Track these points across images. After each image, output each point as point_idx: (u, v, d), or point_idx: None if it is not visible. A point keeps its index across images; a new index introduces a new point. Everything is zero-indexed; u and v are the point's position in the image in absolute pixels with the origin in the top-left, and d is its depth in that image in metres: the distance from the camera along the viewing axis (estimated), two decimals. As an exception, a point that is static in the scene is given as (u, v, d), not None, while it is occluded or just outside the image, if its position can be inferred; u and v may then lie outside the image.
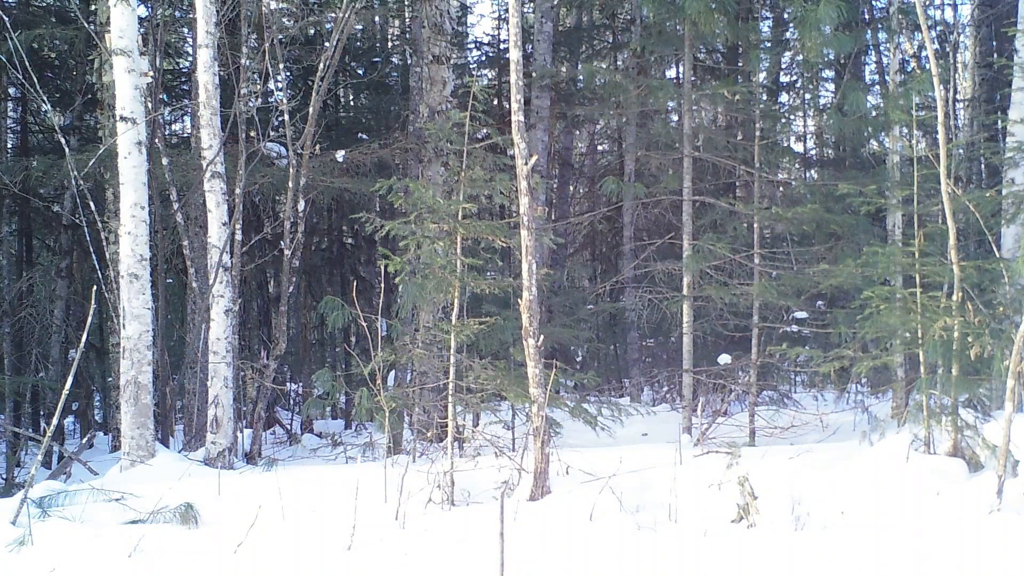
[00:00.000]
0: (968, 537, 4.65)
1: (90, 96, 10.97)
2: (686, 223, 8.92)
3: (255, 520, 5.44)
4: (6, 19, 8.52)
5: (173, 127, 14.82)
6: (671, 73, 14.54)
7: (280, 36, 9.22)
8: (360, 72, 14.19)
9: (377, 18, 15.05)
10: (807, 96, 13.48)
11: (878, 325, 6.26)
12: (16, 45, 8.22)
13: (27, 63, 8.18)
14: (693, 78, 9.55)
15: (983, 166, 13.23)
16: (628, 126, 12.69)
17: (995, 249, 7.20)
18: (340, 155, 9.90)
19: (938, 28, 14.67)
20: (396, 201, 6.75)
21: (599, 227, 14.49)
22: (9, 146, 13.71)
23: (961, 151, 11.98)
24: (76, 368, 6.34)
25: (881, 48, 13.33)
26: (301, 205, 9.04)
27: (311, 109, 8.84)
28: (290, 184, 8.91)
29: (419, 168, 9.59)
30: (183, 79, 12.80)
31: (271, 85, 10.83)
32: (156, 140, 9.12)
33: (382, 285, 7.91)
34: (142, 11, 10.57)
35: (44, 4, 13.09)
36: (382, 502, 5.92)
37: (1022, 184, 8.34)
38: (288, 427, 11.85)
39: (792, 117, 13.23)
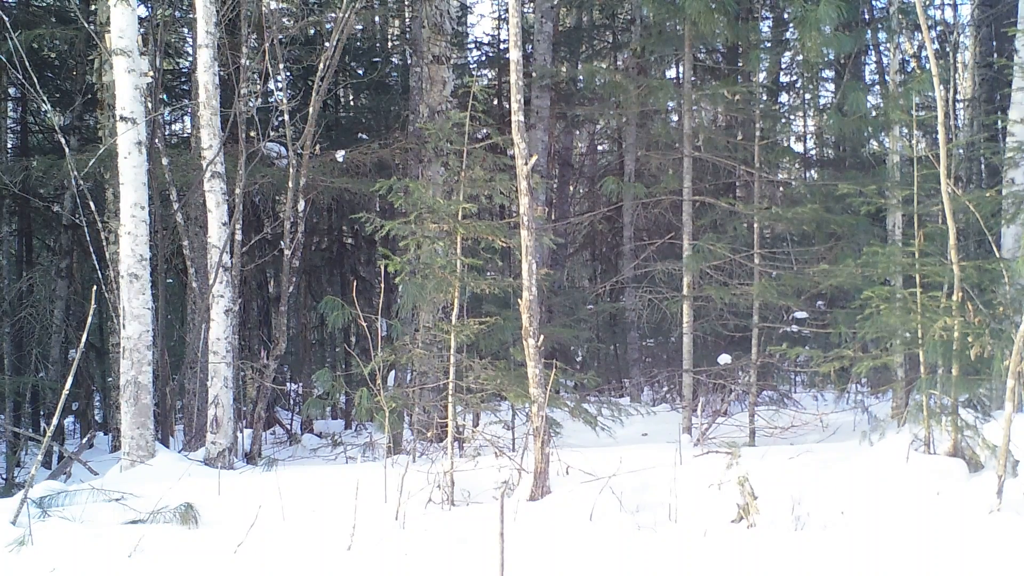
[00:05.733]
0: (968, 537, 4.65)
1: (90, 96, 10.97)
2: (686, 223, 8.92)
3: (255, 520, 5.45)
4: (6, 19, 8.52)
5: (173, 127, 14.82)
6: (671, 73, 14.54)
7: (280, 36, 9.22)
8: (360, 72, 14.18)
9: (377, 18, 15.05)
10: (807, 96, 13.49)
11: (878, 325, 6.25)
12: (16, 45, 8.22)
13: (27, 63, 8.17)
14: (693, 78, 9.55)
15: (983, 166, 13.23)
16: (628, 126, 12.70)
17: (995, 249, 7.19)
18: (340, 155, 9.90)
19: (938, 28, 14.66)
20: (396, 201, 6.75)
21: (599, 227, 14.49)
22: (9, 146, 13.70)
23: (961, 151, 11.98)
24: (76, 368, 6.34)
25: (881, 48, 13.33)
26: (301, 205, 9.04)
27: (311, 109, 8.84)
28: (290, 184, 8.90)
29: (419, 168, 9.59)
30: (183, 79, 12.80)
31: (271, 85, 10.83)
32: (156, 140, 9.11)
33: (382, 285, 7.91)
34: (142, 11, 10.58)
35: (44, 4, 13.09)
36: (382, 502, 5.92)
37: (1022, 184, 8.34)
38: (288, 427, 11.85)
39: (792, 117, 13.24)
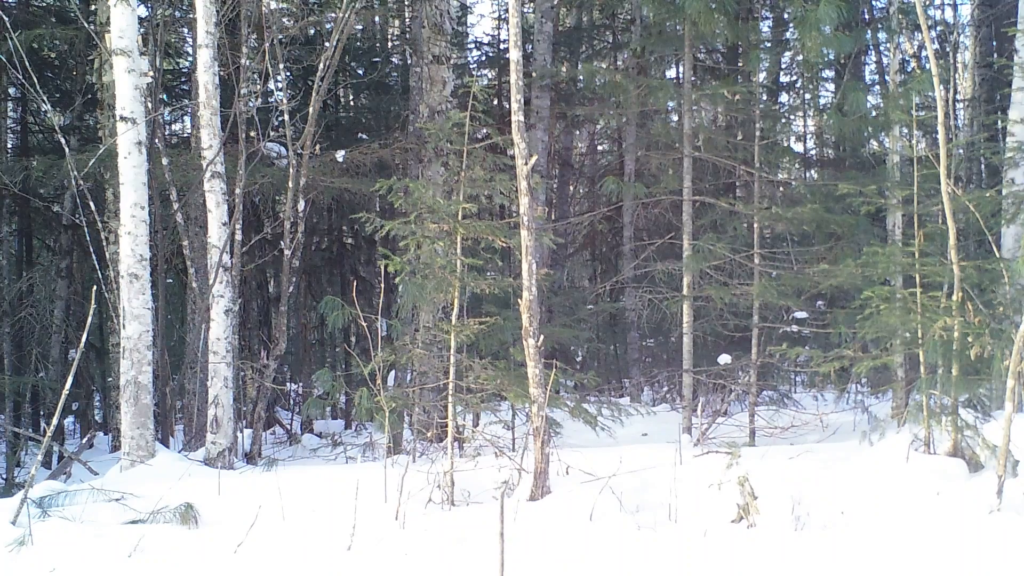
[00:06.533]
0: (968, 537, 4.65)
1: (90, 96, 10.98)
2: (686, 223, 8.92)
3: (255, 520, 5.45)
4: (6, 19, 8.52)
5: (173, 127, 14.82)
6: (671, 73, 14.54)
7: (280, 36, 9.22)
8: (360, 72, 14.19)
9: (377, 18, 15.05)
10: (807, 96, 13.49)
11: (878, 325, 6.25)
12: (16, 45, 8.22)
13: (27, 63, 8.17)
14: (693, 78, 9.55)
15: (983, 166, 13.24)
16: (628, 126, 12.69)
17: (995, 249, 7.19)
18: (340, 155, 9.90)
19: (938, 28, 14.67)
20: (396, 201, 6.74)
21: (599, 227, 14.49)
22: (9, 146, 13.71)
23: (961, 151, 11.98)
24: (76, 368, 6.34)
25: (881, 48, 13.34)
26: (301, 205, 9.04)
27: (311, 109, 8.84)
28: (290, 184, 8.91)
29: (419, 168, 9.59)
30: (183, 79, 12.80)
31: (271, 85, 10.84)
32: (156, 140, 9.11)
33: (382, 285, 7.91)
34: (142, 11, 10.57)
35: (44, 4, 13.09)
36: (382, 502, 5.92)
37: (1022, 184, 8.34)
38: (288, 427, 11.85)
39: (792, 117, 13.23)
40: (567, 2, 14.44)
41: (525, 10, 14.27)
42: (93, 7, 10.18)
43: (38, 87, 8.52)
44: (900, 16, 9.53)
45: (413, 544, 5.17)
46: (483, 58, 16.03)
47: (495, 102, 14.21)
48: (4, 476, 10.09)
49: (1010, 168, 8.49)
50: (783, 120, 10.55)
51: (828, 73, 13.11)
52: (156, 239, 9.06)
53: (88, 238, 9.42)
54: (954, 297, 5.97)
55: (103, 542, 5.22)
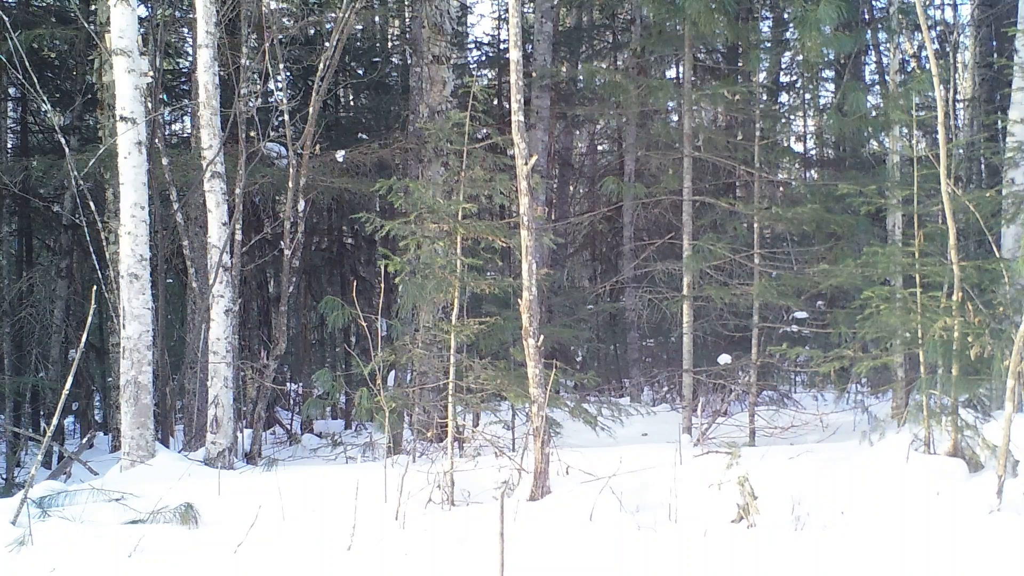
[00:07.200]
0: (968, 537, 4.65)
1: (90, 96, 10.98)
2: (686, 223, 8.92)
3: (255, 520, 5.45)
4: (6, 19, 8.52)
5: (173, 127, 14.82)
6: (671, 73, 14.55)
7: (280, 36, 9.22)
8: (360, 72, 14.19)
9: (377, 18, 15.05)
10: (807, 96, 13.48)
11: (878, 325, 6.25)
12: (16, 45, 8.22)
13: (27, 63, 8.17)
14: (693, 78, 9.55)
15: (983, 166, 13.24)
16: (628, 126, 12.70)
17: (995, 249, 7.19)
18: (340, 155, 9.89)
19: (938, 28, 14.67)
20: (396, 201, 6.74)
21: (599, 227, 14.49)
22: (9, 146, 13.71)
23: (961, 151, 11.98)
24: (76, 368, 6.34)
25: (881, 48, 13.34)
26: (301, 205, 9.04)
27: (311, 109, 8.84)
28: (290, 184, 8.90)
29: (419, 168, 9.59)
30: (183, 79, 12.80)
31: (271, 85, 10.83)
32: (156, 140, 9.11)
33: (382, 285, 7.90)
34: (142, 11, 10.57)
35: (44, 4, 13.09)
36: (382, 502, 5.92)
37: (1022, 184, 8.35)
38: (288, 427, 11.85)
39: (792, 117, 13.23)
40: (567, 2, 14.43)
41: (525, 10, 14.27)
42: (93, 7, 10.17)
43: (38, 87, 8.52)
44: (900, 16, 9.54)
45: (413, 544, 5.17)
46: (483, 58, 16.02)
47: (495, 102, 14.21)
48: (4, 476, 10.10)
49: (1010, 168, 8.49)
50: (783, 120, 10.55)
51: (828, 73, 13.11)
52: (156, 239, 9.05)
53: (88, 238, 9.42)
54: (954, 297, 5.97)
55: (103, 542, 5.22)
